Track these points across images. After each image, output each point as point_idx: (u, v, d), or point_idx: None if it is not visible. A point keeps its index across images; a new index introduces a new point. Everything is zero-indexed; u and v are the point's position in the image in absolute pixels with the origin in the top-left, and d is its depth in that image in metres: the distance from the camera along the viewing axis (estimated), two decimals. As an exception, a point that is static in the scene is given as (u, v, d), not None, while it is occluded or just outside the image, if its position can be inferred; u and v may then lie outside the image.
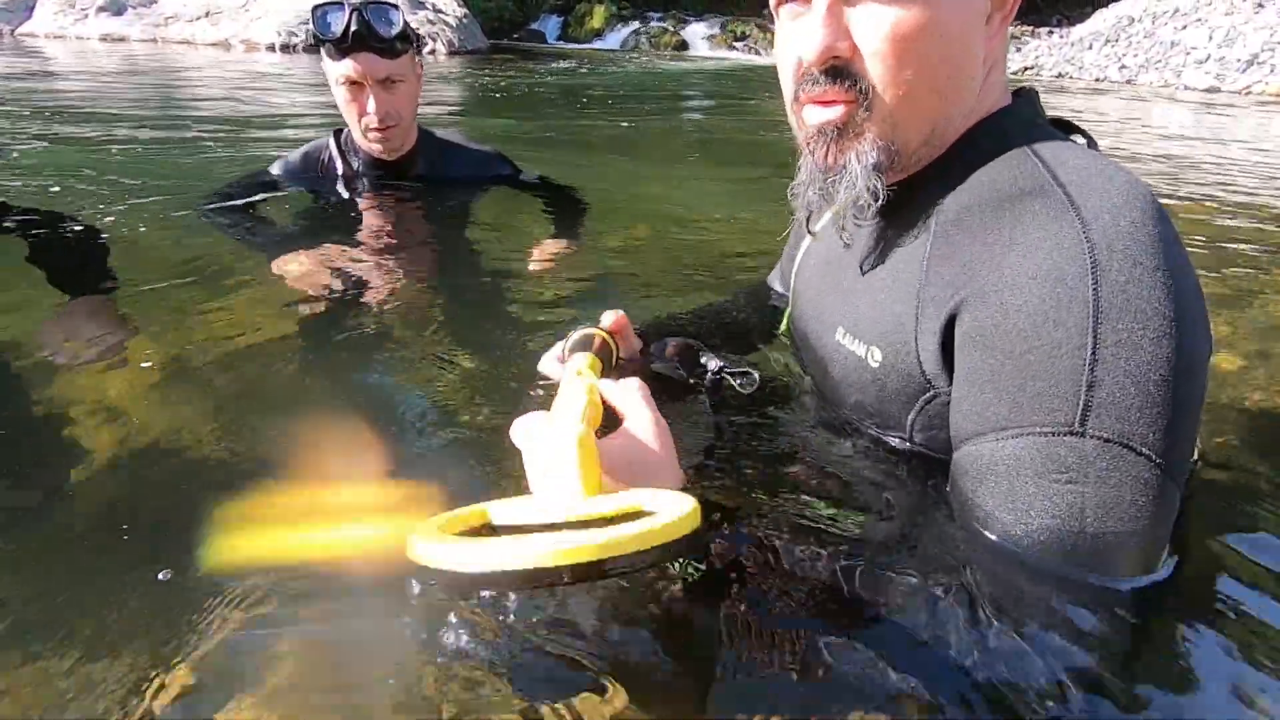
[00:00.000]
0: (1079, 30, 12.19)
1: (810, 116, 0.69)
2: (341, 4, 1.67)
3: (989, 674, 0.51)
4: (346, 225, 1.82)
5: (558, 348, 0.86)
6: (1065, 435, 0.55)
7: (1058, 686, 0.50)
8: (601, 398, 0.64)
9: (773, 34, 0.76)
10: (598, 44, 16.44)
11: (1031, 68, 11.81)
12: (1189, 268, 0.58)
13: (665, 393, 0.89)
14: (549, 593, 0.64)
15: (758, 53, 15.66)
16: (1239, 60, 9.40)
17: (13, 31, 12.46)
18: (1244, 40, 9.58)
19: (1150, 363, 0.54)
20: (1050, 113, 0.75)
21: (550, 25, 17.47)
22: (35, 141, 3.20)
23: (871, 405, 0.73)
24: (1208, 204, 2.87)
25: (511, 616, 0.63)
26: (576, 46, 16.07)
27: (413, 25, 1.79)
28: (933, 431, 0.68)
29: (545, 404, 0.65)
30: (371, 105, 1.72)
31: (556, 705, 0.58)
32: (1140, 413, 0.54)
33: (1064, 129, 0.74)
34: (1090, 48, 11.32)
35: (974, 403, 0.60)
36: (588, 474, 0.51)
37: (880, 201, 0.68)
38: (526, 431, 0.57)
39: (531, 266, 1.71)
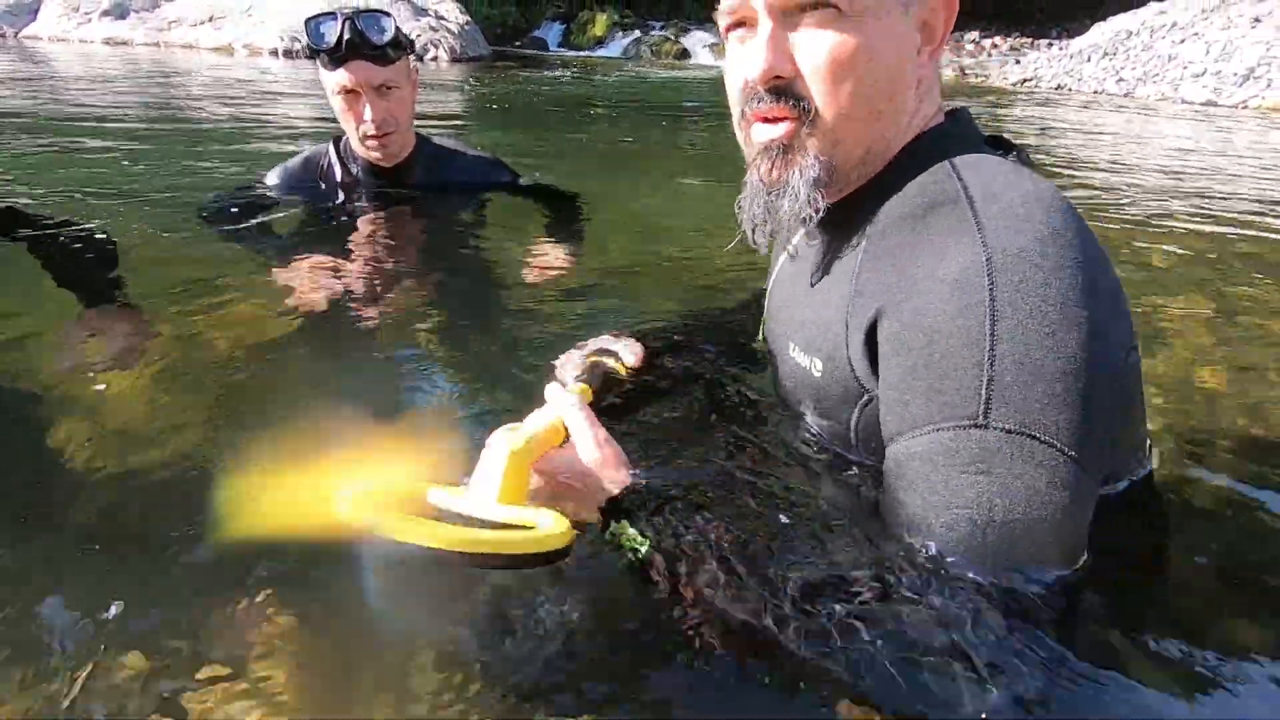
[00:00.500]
0: (1078, 43, 12.23)
1: (757, 134, 0.73)
2: (334, 14, 1.68)
3: (906, 669, 0.52)
4: (346, 232, 1.83)
5: (577, 358, 0.94)
6: (971, 428, 0.58)
7: (974, 679, 0.51)
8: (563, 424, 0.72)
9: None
10: (599, 51, 16.47)
11: (1031, 79, 11.85)
12: (1099, 266, 0.61)
13: (659, 401, 0.91)
14: (549, 593, 0.71)
15: (758, 62, 15.62)
16: (1235, 74, 9.45)
17: (16, 34, 12.52)
18: (1240, 55, 9.64)
19: (1050, 356, 0.57)
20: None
21: (552, 33, 17.52)
22: (40, 147, 3.22)
23: (820, 413, 0.77)
24: (1201, 216, 2.89)
25: (501, 606, 0.68)
26: (578, 54, 16.11)
27: (415, 33, 1.81)
28: (873, 440, 0.71)
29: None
30: (368, 113, 1.74)
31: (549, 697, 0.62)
32: (1041, 403, 0.56)
33: (999, 146, 0.78)
34: (1089, 60, 11.37)
35: (894, 405, 0.64)
36: (508, 484, 0.61)
37: (819, 215, 0.71)
38: (492, 438, 0.66)
39: (531, 273, 1.72)
